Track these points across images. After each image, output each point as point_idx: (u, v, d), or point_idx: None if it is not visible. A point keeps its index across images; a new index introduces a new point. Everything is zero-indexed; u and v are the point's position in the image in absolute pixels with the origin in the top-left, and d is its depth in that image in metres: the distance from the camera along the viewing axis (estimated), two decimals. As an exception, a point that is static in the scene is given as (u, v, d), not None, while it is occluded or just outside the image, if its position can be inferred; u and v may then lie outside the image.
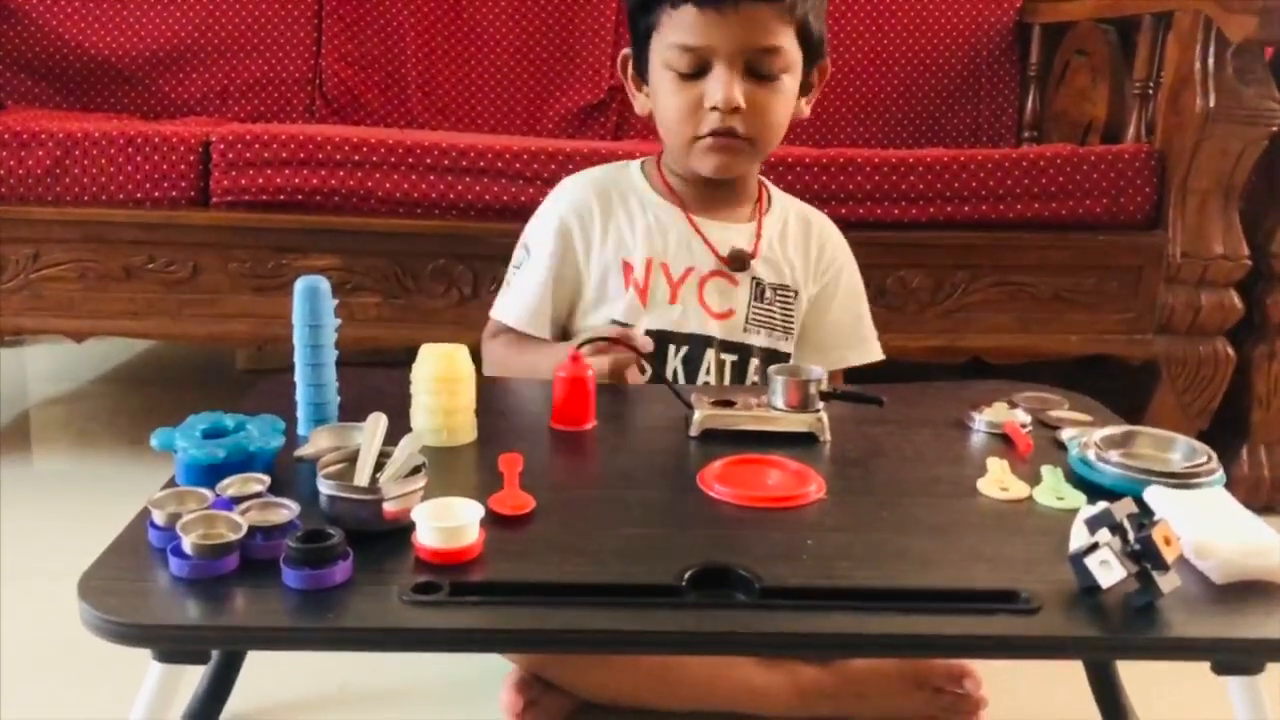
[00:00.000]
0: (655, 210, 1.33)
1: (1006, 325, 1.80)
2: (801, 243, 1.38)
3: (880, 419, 1.09)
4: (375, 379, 1.13)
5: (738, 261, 1.32)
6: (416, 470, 0.83)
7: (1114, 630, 0.71)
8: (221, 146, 1.72)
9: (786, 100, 1.27)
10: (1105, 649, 0.84)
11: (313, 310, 0.97)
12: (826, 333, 1.38)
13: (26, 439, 2.09)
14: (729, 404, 1.05)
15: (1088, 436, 0.98)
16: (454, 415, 0.99)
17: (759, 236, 1.34)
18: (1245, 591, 0.76)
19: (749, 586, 0.74)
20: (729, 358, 1.32)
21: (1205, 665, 0.75)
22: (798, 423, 1.03)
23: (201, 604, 0.70)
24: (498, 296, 1.39)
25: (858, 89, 2.40)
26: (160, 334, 1.81)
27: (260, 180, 1.71)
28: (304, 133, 1.74)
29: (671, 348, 1.30)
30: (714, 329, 1.31)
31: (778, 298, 1.34)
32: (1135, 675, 1.16)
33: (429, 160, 1.72)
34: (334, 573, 0.72)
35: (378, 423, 0.88)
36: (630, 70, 1.35)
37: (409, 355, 1.03)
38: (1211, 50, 1.66)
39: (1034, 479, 0.94)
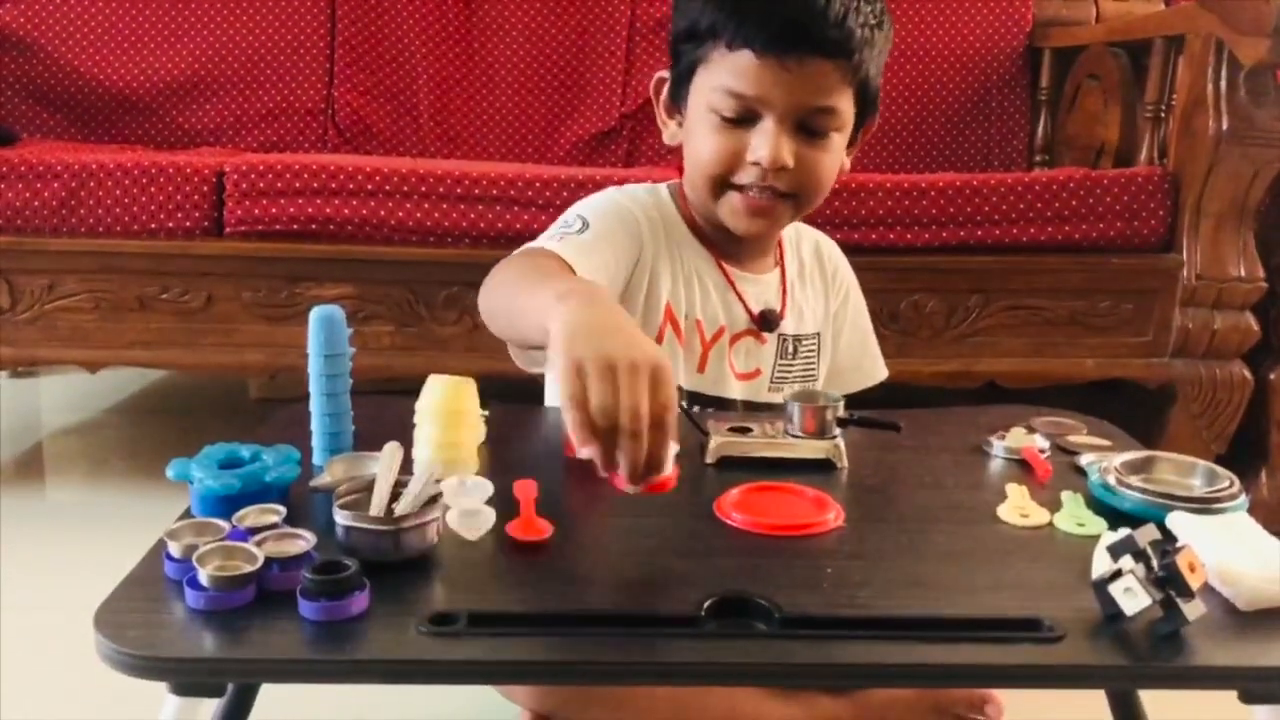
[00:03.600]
0: (692, 255, 1.22)
1: (1021, 349, 1.79)
2: (818, 276, 1.32)
3: (898, 445, 1.08)
4: (390, 407, 1.12)
5: (768, 323, 1.24)
6: (433, 500, 0.82)
7: (1139, 659, 0.70)
8: (235, 177, 1.73)
9: (835, 157, 1.15)
10: (1131, 678, 0.83)
11: (328, 339, 0.97)
12: (839, 355, 1.34)
13: (40, 470, 2.09)
14: (745, 430, 1.05)
15: (1107, 462, 0.97)
16: (456, 448, 0.98)
17: (785, 290, 1.27)
18: (1271, 618, 0.75)
19: (769, 616, 0.73)
20: None
21: (1231, 692, 0.74)
22: (815, 449, 1.02)
23: (218, 636, 0.70)
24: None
25: (868, 114, 2.40)
26: (174, 364, 1.82)
27: (274, 210, 1.72)
28: (317, 162, 1.75)
29: (696, 407, 1.22)
30: (736, 390, 1.25)
31: (801, 348, 1.28)
32: (1157, 699, 1.14)
33: (441, 189, 1.73)
34: (351, 604, 0.71)
35: (393, 452, 0.88)
36: (665, 96, 1.21)
37: (422, 384, 1.03)
38: (1224, 73, 1.67)
39: (1054, 505, 0.93)
